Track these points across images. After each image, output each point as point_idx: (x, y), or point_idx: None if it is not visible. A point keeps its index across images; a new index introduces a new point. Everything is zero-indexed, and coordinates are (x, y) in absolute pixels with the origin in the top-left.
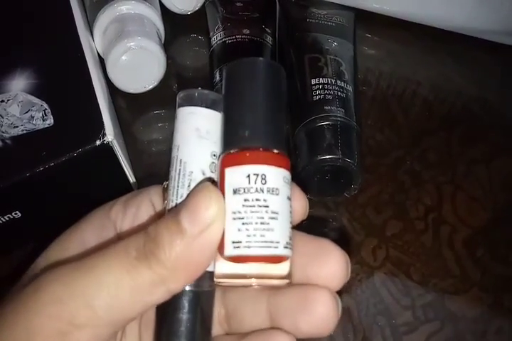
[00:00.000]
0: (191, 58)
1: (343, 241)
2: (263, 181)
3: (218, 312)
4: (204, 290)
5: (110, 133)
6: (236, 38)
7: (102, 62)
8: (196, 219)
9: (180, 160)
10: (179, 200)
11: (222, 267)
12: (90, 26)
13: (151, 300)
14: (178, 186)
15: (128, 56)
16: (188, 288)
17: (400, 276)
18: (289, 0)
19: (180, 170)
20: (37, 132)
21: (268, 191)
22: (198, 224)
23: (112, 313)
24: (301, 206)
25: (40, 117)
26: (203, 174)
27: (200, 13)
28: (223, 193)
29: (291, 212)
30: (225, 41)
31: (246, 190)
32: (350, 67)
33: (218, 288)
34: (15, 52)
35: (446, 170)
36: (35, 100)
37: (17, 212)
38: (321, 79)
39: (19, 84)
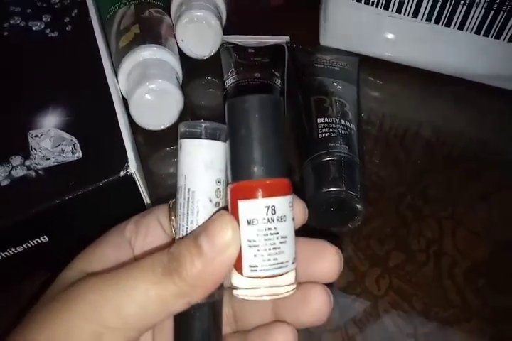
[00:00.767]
0: (206, 99)
1: (348, 270)
2: (273, 212)
3: (226, 312)
4: (215, 300)
5: (133, 166)
6: (248, 81)
7: (125, 102)
8: (215, 244)
9: (189, 189)
10: (190, 225)
11: (239, 282)
12: (115, 70)
13: (173, 309)
14: (187, 213)
15: (149, 97)
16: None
17: (402, 305)
18: (297, 47)
19: (188, 198)
20: (67, 164)
21: (278, 220)
22: (216, 248)
23: (139, 320)
24: (301, 213)
25: (69, 151)
26: (210, 201)
27: (215, 58)
28: (237, 222)
29: (294, 230)
30: (238, 84)
31: (259, 221)
32: (354, 107)
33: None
34: (48, 92)
35: (446, 206)
36: (66, 135)
37: (45, 236)
38: (326, 118)
39: (51, 120)
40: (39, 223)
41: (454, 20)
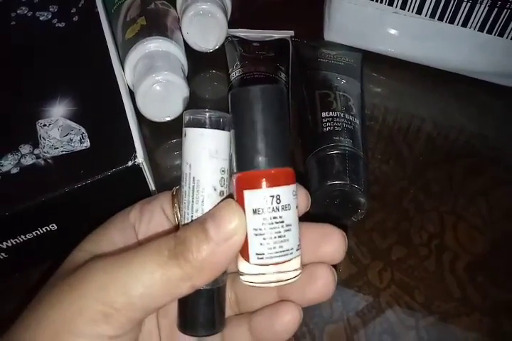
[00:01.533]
0: (211, 92)
1: (351, 263)
2: (278, 201)
3: (228, 296)
4: (219, 286)
5: (140, 156)
6: (253, 75)
7: (131, 94)
8: (221, 230)
9: (194, 178)
10: (195, 213)
11: (246, 269)
12: (121, 61)
13: (178, 292)
14: (192, 201)
15: (155, 88)
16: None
17: (404, 298)
18: (302, 41)
19: (193, 186)
20: (75, 153)
21: (282, 208)
22: (222, 234)
23: (145, 301)
24: (304, 200)
25: (78, 140)
26: (215, 190)
27: (220, 52)
28: (244, 211)
29: (298, 217)
30: (243, 77)
31: (264, 211)
32: (358, 102)
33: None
34: (56, 82)
35: (448, 201)
36: (74, 125)
37: (54, 224)
38: (330, 112)
39: (60, 110)
40: (48, 211)
41: (458, 17)
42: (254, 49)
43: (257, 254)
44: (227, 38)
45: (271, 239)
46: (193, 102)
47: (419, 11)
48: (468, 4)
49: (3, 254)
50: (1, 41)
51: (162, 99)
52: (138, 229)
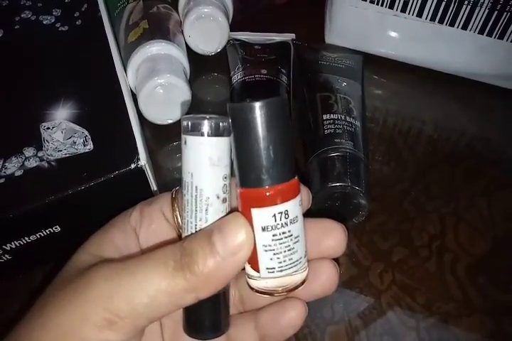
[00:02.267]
0: (212, 95)
1: (352, 265)
2: (286, 216)
3: (233, 295)
4: (224, 291)
5: (143, 158)
6: (255, 77)
7: (133, 97)
8: (228, 244)
9: (196, 187)
10: (198, 222)
11: (257, 282)
12: (124, 64)
13: (183, 303)
14: (196, 210)
15: (158, 91)
16: None
17: (405, 299)
18: (303, 44)
19: (196, 195)
20: (78, 156)
21: (291, 222)
22: (229, 249)
23: (149, 310)
24: (305, 199)
25: (81, 143)
26: (218, 197)
27: (222, 55)
28: (252, 227)
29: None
30: (245, 80)
31: (273, 227)
32: (359, 104)
33: None
34: (59, 86)
35: (449, 202)
36: (77, 128)
37: (57, 226)
38: (331, 115)
39: (63, 113)
40: (51, 213)
41: (458, 20)
42: (255, 52)
43: (267, 269)
44: (228, 41)
45: (280, 254)
46: (194, 105)
47: (419, 14)
48: (469, 7)
49: (6, 256)
50: (5, 45)
51: (164, 102)
52: (139, 231)
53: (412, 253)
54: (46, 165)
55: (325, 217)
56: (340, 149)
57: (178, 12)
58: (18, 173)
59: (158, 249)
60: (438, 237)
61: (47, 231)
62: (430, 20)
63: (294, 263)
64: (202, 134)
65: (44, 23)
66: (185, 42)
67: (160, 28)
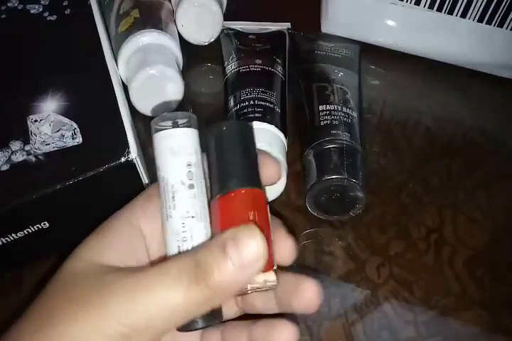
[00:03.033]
0: (206, 85)
1: (349, 259)
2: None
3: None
4: None
5: (134, 151)
6: (249, 68)
7: (124, 88)
8: (244, 257)
9: (163, 177)
10: (168, 210)
11: None
12: (115, 54)
13: (197, 313)
14: (165, 199)
15: (149, 82)
16: None
17: (403, 293)
18: (299, 34)
19: (164, 186)
20: (67, 149)
21: None
22: (245, 261)
23: (166, 324)
24: (286, 248)
25: (69, 136)
26: (183, 184)
27: (215, 45)
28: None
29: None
30: (239, 70)
31: None
32: (355, 95)
33: None
34: (48, 77)
35: (447, 194)
36: (66, 120)
37: (45, 222)
38: (328, 105)
39: (51, 105)
40: (39, 208)
41: (457, 8)
42: (250, 41)
43: None
44: (222, 30)
45: None
46: (188, 96)
47: (417, 2)
48: None
49: None
50: None
51: (156, 93)
52: (146, 232)
53: (410, 246)
54: (34, 159)
55: (321, 209)
56: (337, 141)
57: (170, 1)
58: (5, 168)
59: (170, 261)
60: (436, 230)
61: (35, 227)
62: (428, 8)
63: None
64: (164, 128)
65: (31, 12)
66: (178, 32)
67: (151, 17)
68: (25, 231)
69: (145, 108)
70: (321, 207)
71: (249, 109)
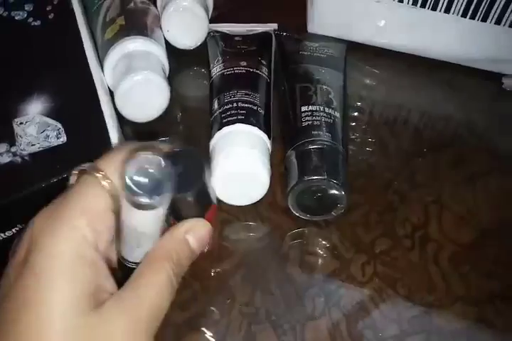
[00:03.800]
0: (193, 89)
1: (334, 258)
2: None
3: None
4: None
5: None
6: (234, 70)
7: (111, 95)
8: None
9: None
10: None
11: None
12: (101, 62)
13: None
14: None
15: (135, 88)
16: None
17: (387, 291)
18: (286, 34)
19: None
20: (52, 148)
21: None
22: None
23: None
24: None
25: (54, 136)
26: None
27: (203, 48)
28: None
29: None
30: (224, 73)
31: None
32: (339, 95)
33: None
34: (33, 80)
35: (433, 191)
36: (50, 121)
37: None
38: (310, 106)
39: (36, 107)
40: (26, 208)
41: (440, 3)
42: (236, 43)
43: None
44: (209, 33)
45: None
46: (175, 100)
47: None
48: None
49: None
50: None
51: (142, 100)
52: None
53: (395, 244)
54: (20, 160)
55: (303, 210)
56: (318, 142)
57: (156, 6)
58: None
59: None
60: (422, 227)
61: (23, 225)
62: (412, 4)
63: None
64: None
65: (16, 18)
66: (164, 37)
67: (137, 24)
68: (13, 230)
69: (132, 114)
70: (304, 208)
71: (233, 111)
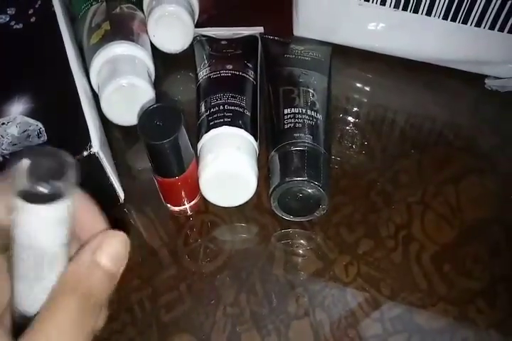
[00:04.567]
0: (181, 93)
1: (318, 259)
2: None
3: None
4: None
5: (96, 145)
6: (220, 73)
7: (96, 99)
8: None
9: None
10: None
11: None
12: (88, 66)
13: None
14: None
15: (119, 93)
16: None
17: (370, 291)
18: (272, 38)
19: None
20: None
21: None
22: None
23: None
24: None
25: (35, 135)
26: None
27: (189, 52)
28: None
29: None
30: (210, 76)
31: None
32: (323, 97)
33: None
34: (15, 82)
35: (416, 191)
36: (31, 121)
37: None
38: (292, 109)
39: (18, 108)
40: None
41: (422, 6)
42: (222, 47)
43: None
44: (195, 37)
45: None
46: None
47: (383, 2)
48: None
49: None
50: None
51: (127, 104)
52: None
53: (378, 244)
54: (1, 159)
55: (286, 211)
56: (299, 143)
57: (143, 11)
58: None
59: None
60: (405, 227)
61: None
62: (394, 7)
63: None
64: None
65: None
66: (151, 42)
67: (122, 28)
68: None
69: (117, 118)
70: (287, 209)
71: (219, 114)
